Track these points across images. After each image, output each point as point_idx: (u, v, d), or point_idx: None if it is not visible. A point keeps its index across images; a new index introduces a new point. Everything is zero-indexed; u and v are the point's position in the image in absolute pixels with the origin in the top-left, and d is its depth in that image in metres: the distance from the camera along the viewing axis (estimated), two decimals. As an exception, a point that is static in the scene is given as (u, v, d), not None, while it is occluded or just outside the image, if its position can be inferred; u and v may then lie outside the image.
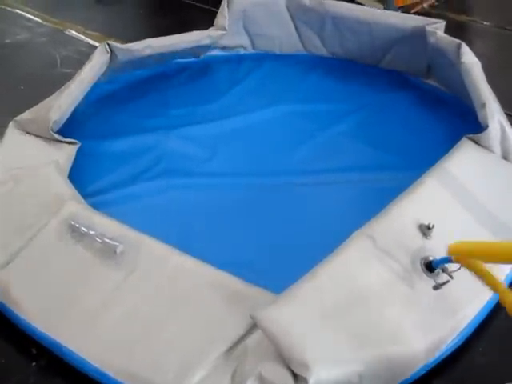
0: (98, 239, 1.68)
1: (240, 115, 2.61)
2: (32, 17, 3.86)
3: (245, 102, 2.72)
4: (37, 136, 2.25)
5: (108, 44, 2.51)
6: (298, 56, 3.09)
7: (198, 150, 2.39)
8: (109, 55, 2.53)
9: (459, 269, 1.51)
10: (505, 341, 1.63)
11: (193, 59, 3.03)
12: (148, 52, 2.67)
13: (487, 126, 2.04)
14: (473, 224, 1.78)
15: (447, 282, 1.54)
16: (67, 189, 1.93)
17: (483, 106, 2.10)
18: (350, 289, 1.50)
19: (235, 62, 3.05)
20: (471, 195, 1.84)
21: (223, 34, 2.89)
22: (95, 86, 2.68)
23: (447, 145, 2.31)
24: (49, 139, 2.23)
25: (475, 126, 2.27)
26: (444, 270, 1.55)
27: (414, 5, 3.65)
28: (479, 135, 2.03)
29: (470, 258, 1.42)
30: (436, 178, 1.83)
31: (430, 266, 1.58)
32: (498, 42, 2.49)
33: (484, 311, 1.63)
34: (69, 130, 2.51)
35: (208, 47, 2.93)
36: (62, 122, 2.31)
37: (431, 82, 2.79)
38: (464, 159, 1.96)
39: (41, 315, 1.64)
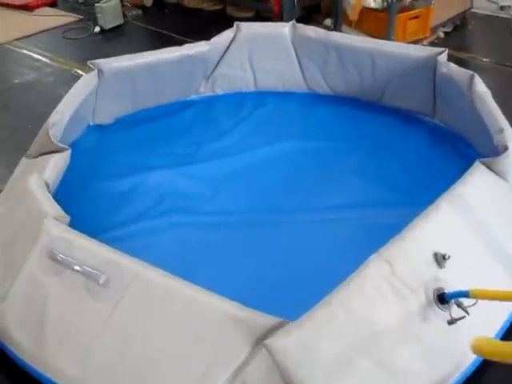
0: (79, 269, 1.66)
1: (242, 154, 2.65)
2: (40, 57, 3.94)
3: (248, 140, 2.76)
4: (34, 157, 2.30)
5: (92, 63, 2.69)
6: (300, 94, 3.13)
7: (201, 188, 2.43)
8: (96, 71, 2.67)
9: (475, 303, 1.53)
10: (506, 380, 1.64)
11: (195, 97, 3.09)
12: (131, 64, 2.77)
13: (506, 149, 2.02)
14: (484, 256, 1.80)
15: (463, 317, 1.55)
16: (46, 204, 1.90)
17: (501, 131, 2.11)
18: (365, 325, 1.50)
19: (238, 100, 3.10)
20: (483, 224, 1.86)
21: (210, 47, 2.91)
22: (102, 129, 2.85)
23: (448, 182, 2.37)
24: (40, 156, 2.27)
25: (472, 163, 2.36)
26: (459, 306, 1.56)
27: (414, 42, 3.71)
28: (496, 159, 2.02)
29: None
30: (450, 203, 1.82)
31: (442, 298, 1.59)
32: (498, 77, 2.54)
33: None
34: (75, 170, 2.57)
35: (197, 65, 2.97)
36: (62, 127, 2.35)
37: (434, 120, 2.81)
38: (477, 185, 1.95)
39: (37, 355, 1.67)
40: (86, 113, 2.77)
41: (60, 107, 2.40)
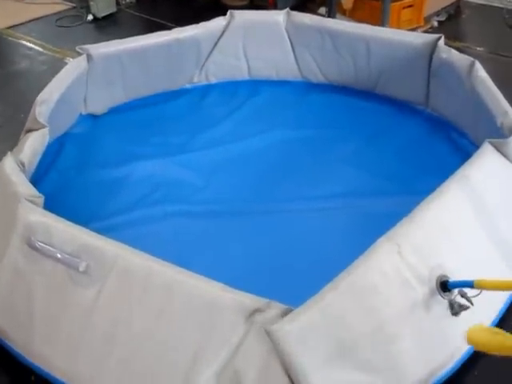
0: (59, 256, 1.63)
1: (236, 143, 2.64)
2: (32, 45, 3.92)
3: (241, 129, 2.76)
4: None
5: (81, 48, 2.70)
6: (294, 82, 3.12)
7: (194, 177, 2.43)
8: (84, 55, 2.68)
9: (479, 294, 1.53)
10: (499, 365, 1.64)
11: (189, 86, 3.08)
12: (120, 48, 2.78)
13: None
14: (484, 243, 1.80)
15: (467, 307, 1.55)
16: (19, 185, 1.87)
17: (505, 113, 2.12)
18: (370, 312, 1.49)
19: (232, 88, 3.09)
20: (488, 209, 1.86)
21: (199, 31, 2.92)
22: (95, 118, 2.83)
23: (442, 171, 2.38)
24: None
25: (467, 154, 2.36)
26: (463, 296, 1.56)
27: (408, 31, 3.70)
28: (506, 140, 2.01)
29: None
30: (459, 186, 1.81)
31: (444, 285, 1.59)
32: (492, 66, 2.55)
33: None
34: (70, 158, 2.58)
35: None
36: (50, 107, 2.35)
37: (426, 108, 2.82)
38: (486, 167, 1.94)
39: (26, 345, 1.68)
40: (76, 100, 2.77)
41: (47, 89, 2.41)
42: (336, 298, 1.45)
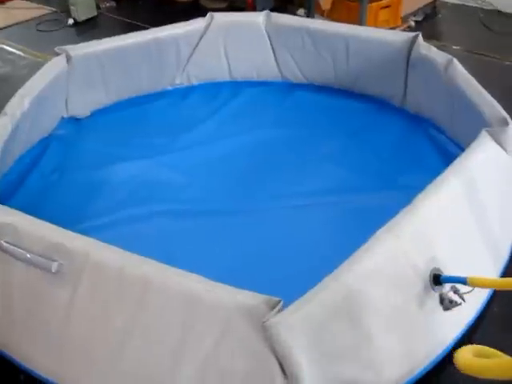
0: (29, 257, 1.59)
1: (219, 142, 2.68)
2: (13, 50, 3.92)
3: (223, 129, 2.79)
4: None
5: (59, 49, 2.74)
6: (274, 83, 3.16)
7: (177, 177, 2.45)
8: (63, 55, 2.71)
9: (471, 291, 1.56)
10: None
11: (171, 88, 3.11)
12: (99, 48, 2.81)
13: (505, 121, 2.05)
14: (475, 237, 1.82)
15: (459, 304, 1.58)
16: None
17: (492, 105, 2.16)
18: (369, 308, 1.48)
19: (213, 90, 3.12)
20: (483, 202, 1.88)
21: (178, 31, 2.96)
22: (78, 121, 2.85)
23: (420, 167, 2.44)
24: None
25: (444, 150, 2.45)
26: (456, 292, 1.58)
27: (386, 31, 3.75)
28: (502, 129, 2.03)
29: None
30: (457, 178, 1.81)
31: (437, 279, 1.60)
32: (468, 64, 2.60)
33: (464, 330, 1.71)
34: (53, 161, 2.59)
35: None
36: (25, 106, 2.38)
37: (404, 106, 2.87)
38: (483, 156, 1.95)
39: (11, 344, 1.69)
40: (57, 102, 2.78)
41: (21, 90, 2.44)
42: (337, 290, 1.45)
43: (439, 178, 1.79)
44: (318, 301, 1.41)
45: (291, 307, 1.37)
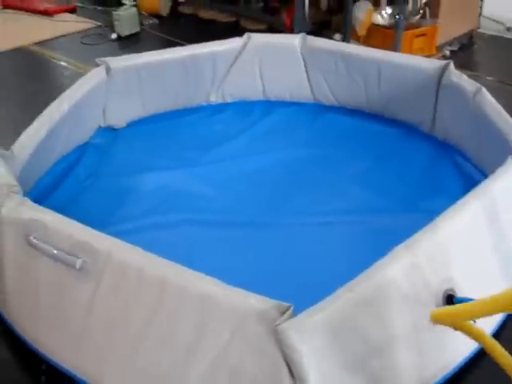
0: (56, 253, 1.66)
1: (249, 158, 2.76)
2: (57, 61, 4.09)
3: (253, 146, 2.87)
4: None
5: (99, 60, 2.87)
6: (307, 104, 3.24)
7: (206, 189, 2.53)
8: (103, 66, 2.84)
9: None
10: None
11: (205, 104, 3.21)
12: (139, 61, 2.93)
13: None
14: (491, 261, 1.83)
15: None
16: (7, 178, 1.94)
17: None
18: (383, 323, 1.51)
19: (247, 107, 3.21)
20: (502, 227, 1.89)
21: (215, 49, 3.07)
22: (114, 131, 2.97)
23: (443, 192, 2.47)
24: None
25: (469, 177, 2.49)
26: None
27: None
28: None
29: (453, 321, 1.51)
30: (479, 202, 1.82)
31: (450, 300, 1.61)
32: (500, 95, 2.64)
33: (471, 354, 1.73)
34: (88, 167, 2.70)
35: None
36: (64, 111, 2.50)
37: (432, 133, 2.90)
38: (507, 185, 1.96)
39: (37, 335, 1.77)
40: (95, 111, 2.90)
41: (61, 96, 2.57)
42: (350, 301, 1.48)
43: (461, 201, 1.81)
44: (331, 310, 1.44)
45: (304, 313, 1.41)
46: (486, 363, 1.66)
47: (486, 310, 1.42)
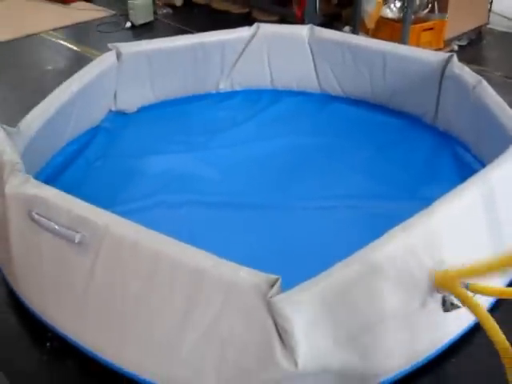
0: (56, 228, 1.72)
1: (254, 143, 2.84)
2: (73, 47, 4.19)
3: (261, 132, 2.95)
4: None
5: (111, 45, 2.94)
6: (313, 94, 3.31)
7: (212, 172, 2.62)
8: (114, 51, 2.91)
9: (473, 296, 1.61)
10: (477, 353, 1.79)
11: (214, 91, 3.29)
12: (149, 47, 3.02)
13: None
14: (486, 248, 1.86)
15: (459, 307, 1.64)
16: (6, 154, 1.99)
17: None
18: (373, 295, 1.57)
19: (255, 95, 3.29)
20: (498, 214, 1.94)
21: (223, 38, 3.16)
22: (125, 115, 3.07)
23: (443, 181, 2.54)
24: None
25: (468, 167, 2.55)
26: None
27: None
28: None
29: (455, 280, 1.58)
30: (478, 188, 1.87)
31: None
32: (507, 89, 2.68)
33: (463, 331, 1.81)
34: (98, 149, 2.79)
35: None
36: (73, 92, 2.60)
37: (435, 124, 2.96)
38: (507, 175, 2.00)
39: (41, 307, 1.86)
40: (106, 95, 2.99)
41: (71, 79, 2.67)
42: (345, 277, 1.54)
43: (460, 187, 1.85)
44: (325, 284, 1.51)
45: (298, 287, 1.48)
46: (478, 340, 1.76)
47: (487, 269, 1.50)
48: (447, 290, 1.64)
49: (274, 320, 1.45)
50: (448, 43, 4.00)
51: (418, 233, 1.69)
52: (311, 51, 3.22)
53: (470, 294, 1.59)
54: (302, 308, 1.47)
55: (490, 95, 2.50)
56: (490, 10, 4.40)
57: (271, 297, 1.44)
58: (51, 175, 2.53)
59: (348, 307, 1.56)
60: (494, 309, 1.88)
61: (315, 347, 1.49)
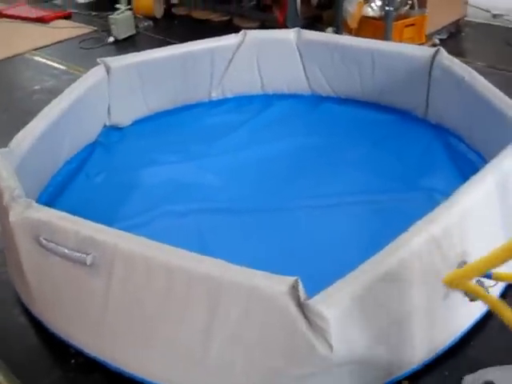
0: (66, 252, 1.69)
1: (251, 148, 2.86)
2: (58, 65, 4.18)
3: (256, 136, 2.98)
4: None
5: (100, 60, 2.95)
6: (304, 96, 3.35)
7: (213, 179, 2.64)
8: (102, 65, 2.93)
9: (495, 284, 1.68)
10: (495, 338, 1.83)
11: (206, 100, 3.31)
12: (138, 60, 3.04)
13: None
14: (501, 237, 1.87)
15: None
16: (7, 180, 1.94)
17: None
18: (400, 292, 1.59)
19: (246, 101, 3.32)
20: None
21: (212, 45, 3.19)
22: (120, 129, 3.05)
23: (439, 171, 2.59)
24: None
25: (462, 156, 2.59)
26: (481, 285, 1.66)
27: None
28: None
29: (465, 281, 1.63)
30: (493, 177, 1.88)
31: None
32: (491, 78, 2.74)
33: (476, 320, 1.84)
34: (97, 165, 2.80)
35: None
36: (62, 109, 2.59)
37: (426, 117, 3.02)
38: None
39: (61, 326, 1.87)
40: (99, 110, 3.00)
41: (61, 95, 2.67)
42: (374, 274, 1.55)
43: (475, 177, 1.86)
44: (357, 283, 1.53)
45: (332, 287, 1.50)
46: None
47: (490, 263, 1.54)
48: (459, 288, 1.68)
49: (309, 320, 1.47)
50: (429, 38, 4.07)
51: (441, 226, 1.69)
52: (299, 54, 3.26)
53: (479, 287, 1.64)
54: (338, 308, 1.49)
55: (482, 83, 2.55)
56: (466, 3, 4.48)
57: (304, 299, 1.45)
58: (53, 194, 2.53)
59: (378, 303, 1.58)
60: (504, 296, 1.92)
61: (349, 343, 1.53)
